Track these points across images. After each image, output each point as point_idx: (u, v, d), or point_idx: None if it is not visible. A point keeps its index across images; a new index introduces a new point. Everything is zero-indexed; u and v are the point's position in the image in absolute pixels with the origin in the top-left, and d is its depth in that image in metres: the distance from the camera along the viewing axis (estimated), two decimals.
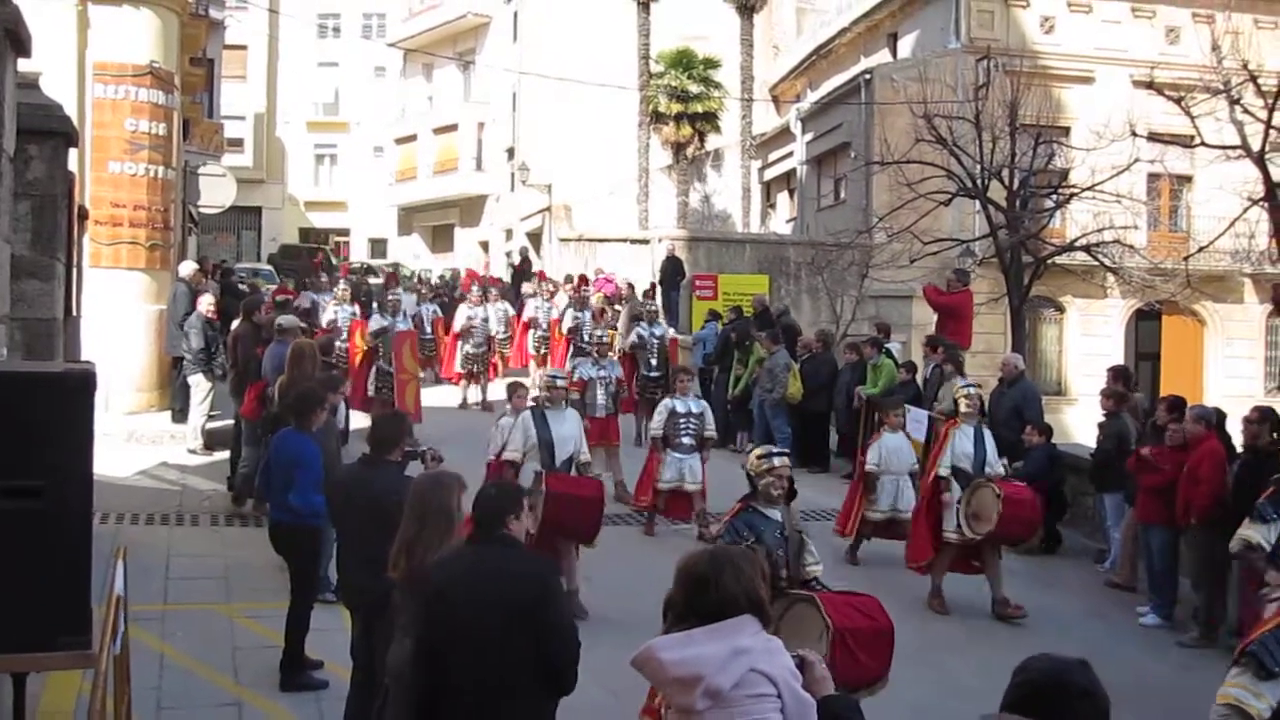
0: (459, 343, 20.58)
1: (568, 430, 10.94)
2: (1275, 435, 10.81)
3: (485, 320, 20.71)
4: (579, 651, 5.00)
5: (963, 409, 11.80)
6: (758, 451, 7.68)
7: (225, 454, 14.39)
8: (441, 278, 35.34)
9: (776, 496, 7.33)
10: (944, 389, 15.71)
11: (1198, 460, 10.91)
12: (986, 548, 11.26)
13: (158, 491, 13.56)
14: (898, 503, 12.59)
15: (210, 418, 15.25)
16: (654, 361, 18.22)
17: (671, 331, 19.50)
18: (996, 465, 11.62)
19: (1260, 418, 10.76)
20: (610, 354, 16.11)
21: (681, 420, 13.20)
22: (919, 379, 16.63)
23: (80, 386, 5.03)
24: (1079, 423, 24.25)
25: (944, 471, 11.48)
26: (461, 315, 20.72)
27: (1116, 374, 14.08)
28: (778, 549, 7.14)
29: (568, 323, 21.39)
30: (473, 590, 4.96)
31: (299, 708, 7.88)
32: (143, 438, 15.59)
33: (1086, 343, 29.69)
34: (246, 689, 8.28)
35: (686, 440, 13.15)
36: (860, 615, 6.76)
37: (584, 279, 26.66)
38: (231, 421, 14.34)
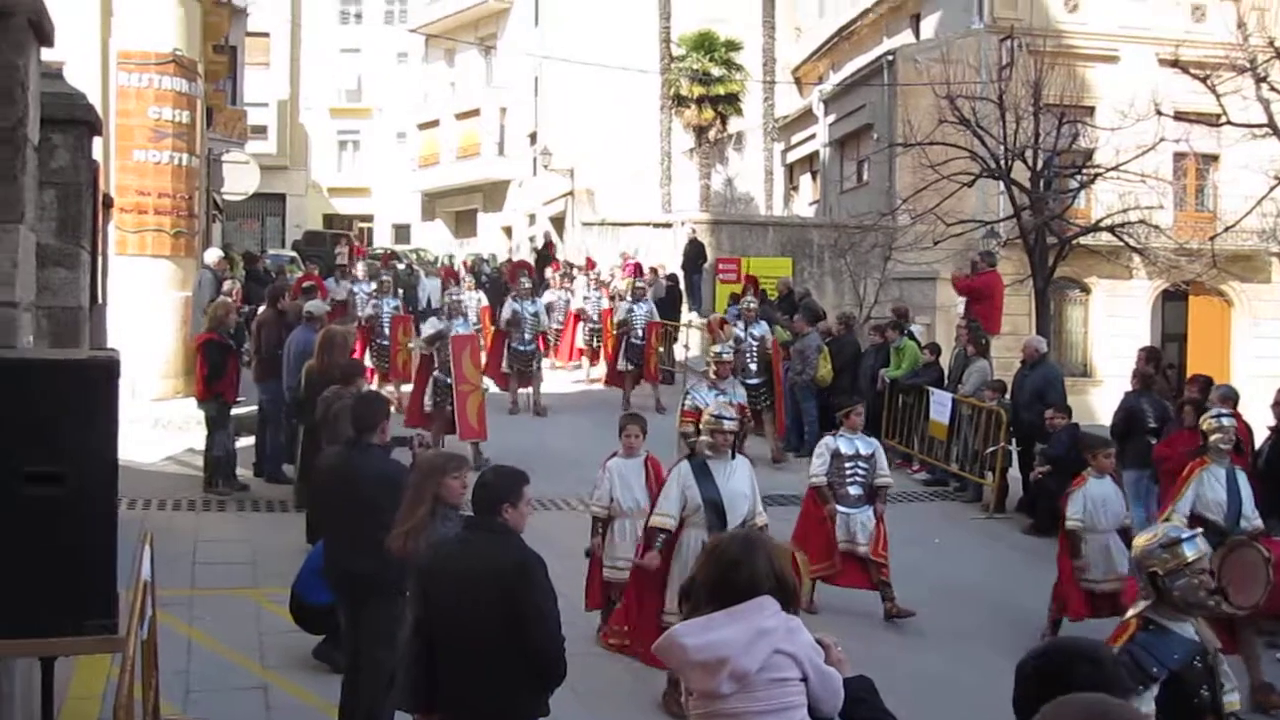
0: (505, 340, 18.47)
1: (738, 485, 8.43)
2: None
3: (535, 315, 18.65)
4: (562, 643, 5.07)
5: (1212, 443, 9.33)
6: (1158, 537, 5.08)
7: (250, 439, 14.46)
8: (486, 261, 35.01)
9: (1209, 603, 5.00)
10: (967, 371, 15.69)
11: None
12: (1241, 621, 8.83)
13: (184, 477, 13.66)
14: (1114, 567, 9.84)
15: (236, 403, 15.33)
16: (754, 368, 15.99)
17: (771, 334, 16.86)
18: (1254, 518, 9.25)
19: None
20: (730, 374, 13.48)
21: (848, 464, 10.48)
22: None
23: (104, 373, 5.07)
24: (1105, 404, 24.12)
25: (1179, 520, 8.81)
26: (507, 309, 18.53)
27: (1148, 355, 14.05)
28: (1200, 685, 4.77)
29: (619, 315, 19.71)
30: (456, 575, 5.10)
31: (325, 690, 7.90)
32: (169, 424, 15.69)
33: (1112, 324, 29.53)
34: (273, 672, 8.37)
35: (854, 490, 10.43)
36: None
37: (638, 267, 24.61)
38: (256, 407, 14.42)
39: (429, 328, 15.67)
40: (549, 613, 5.08)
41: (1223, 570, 8.46)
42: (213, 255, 19.48)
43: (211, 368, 13.03)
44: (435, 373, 15.07)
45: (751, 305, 17.18)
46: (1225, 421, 9.39)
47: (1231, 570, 8.67)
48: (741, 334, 16.46)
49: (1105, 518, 9.96)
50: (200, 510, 12.55)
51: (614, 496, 9.10)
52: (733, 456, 8.57)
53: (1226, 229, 21.74)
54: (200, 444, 14.18)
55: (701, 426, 8.84)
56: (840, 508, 10.35)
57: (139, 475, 12.59)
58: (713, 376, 12.87)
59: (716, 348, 13.71)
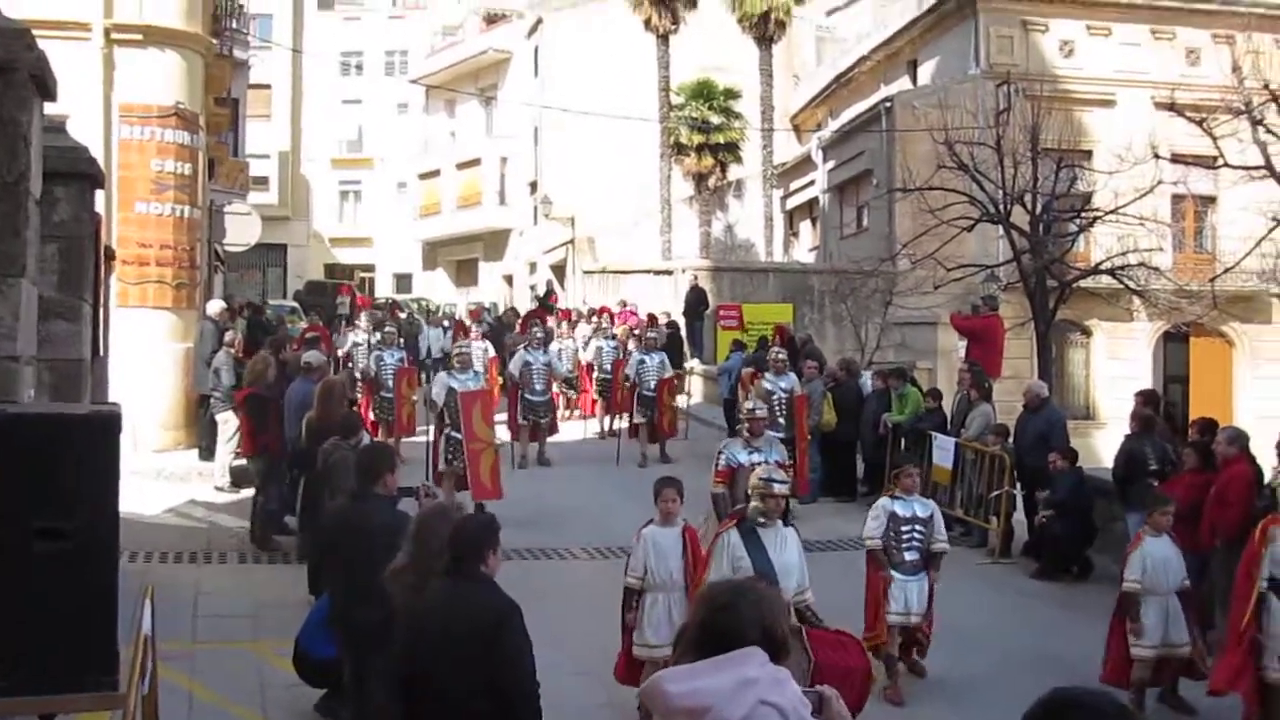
0: (519, 392, 18.06)
1: (790, 557, 7.88)
2: None
3: (547, 365, 18.57)
4: (536, 687, 5.15)
5: None
6: None
7: (252, 491, 14.41)
8: (488, 309, 34.98)
9: None
10: (970, 416, 15.65)
11: (1226, 482, 10.74)
12: None
13: (185, 529, 13.61)
14: (1170, 633, 9.21)
15: (237, 455, 15.28)
16: (782, 421, 15.19)
17: (799, 387, 16.23)
18: None
19: None
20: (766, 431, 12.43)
21: (904, 528, 9.65)
22: None
23: (107, 428, 5.06)
24: (1108, 447, 24.06)
25: (1264, 585, 8.44)
26: (518, 360, 18.27)
27: (1146, 398, 13.98)
28: None
29: (631, 368, 19.20)
30: (436, 624, 5.16)
31: None
32: (171, 475, 15.66)
33: (1114, 366, 29.54)
34: None
35: (910, 555, 9.60)
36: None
37: (653, 318, 24.21)
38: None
39: (436, 385, 15.30)
40: (525, 659, 5.16)
41: None
42: (215, 306, 19.49)
43: (254, 422, 13.07)
44: (447, 429, 14.60)
45: (781, 357, 16.60)
46: None
47: None
48: (770, 385, 15.77)
49: (1166, 579, 9.28)
50: (201, 563, 12.49)
51: (648, 567, 8.32)
52: (785, 523, 8.06)
53: (1226, 270, 21.78)
54: (200, 496, 14.15)
55: (750, 491, 8.22)
56: (898, 574, 9.49)
57: (140, 527, 12.52)
58: (746, 434, 11.98)
59: (749, 403, 12.77)
